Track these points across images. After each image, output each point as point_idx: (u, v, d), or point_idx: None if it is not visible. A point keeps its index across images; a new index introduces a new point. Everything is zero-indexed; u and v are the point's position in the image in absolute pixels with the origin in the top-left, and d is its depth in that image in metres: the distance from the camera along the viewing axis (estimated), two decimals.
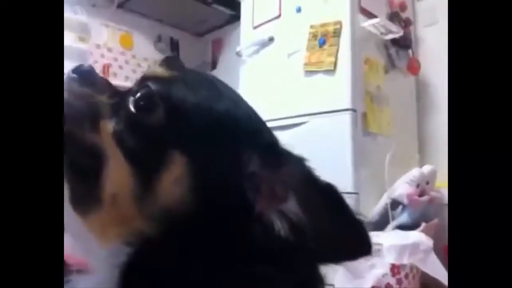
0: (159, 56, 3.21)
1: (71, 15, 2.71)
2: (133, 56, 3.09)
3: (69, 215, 0.41)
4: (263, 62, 2.11)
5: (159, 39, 3.25)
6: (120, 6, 2.98)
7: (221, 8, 2.91)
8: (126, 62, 3.05)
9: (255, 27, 2.19)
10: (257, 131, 0.43)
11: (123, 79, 2.94)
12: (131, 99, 0.42)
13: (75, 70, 0.46)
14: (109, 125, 0.42)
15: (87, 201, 0.41)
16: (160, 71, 0.45)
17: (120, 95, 0.45)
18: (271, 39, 2.06)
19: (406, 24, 2.04)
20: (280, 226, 0.37)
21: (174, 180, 0.38)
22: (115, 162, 0.40)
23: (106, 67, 2.91)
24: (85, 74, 0.46)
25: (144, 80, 0.43)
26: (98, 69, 2.87)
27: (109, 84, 0.48)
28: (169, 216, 0.38)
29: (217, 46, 3.28)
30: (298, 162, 0.40)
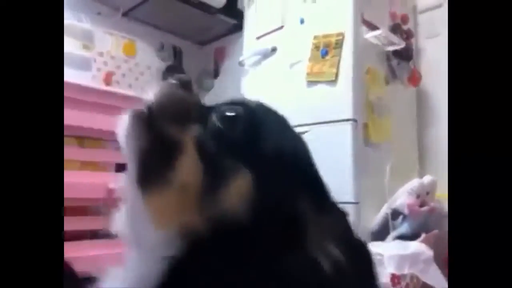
0: (162, 65, 3.23)
1: (76, 22, 2.74)
2: (136, 64, 3.11)
3: (130, 195, 0.47)
4: (265, 72, 2.13)
5: (162, 47, 3.27)
6: (124, 14, 3.01)
7: (224, 17, 2.94)
8: (129, 70, 3.07)
9: (258, 38, 2.21)
10: (314, 177, 0.48)
11: (126, 87, 2.96)
12: (216, 115, 0.49)
13: (177, 77, 0.53)
14: (194, 129, 0.48)
15: (156, 180, 0.45)
16: (246, 99, 0.53)
17: (207, 108, 0.52)
18: (274, 50, 2.08)
19: (407, 36, 2.06)
20: (323, 263, 0.40)
21: (239, 191, 0.43)
22: (191, 158, 0.45)
23: (109, 75, 2.93)
24: (185, 83, 0.53)
25: (232, 103, 0.51)
26: (101, 77, 2.89)
27: (199, 97, 0.55)
28: (225, 221, 0.42)
29: (220, 55, 3.30)
30: (342, 214, 0.45)
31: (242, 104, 0.50)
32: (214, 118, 0.48)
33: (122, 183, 0.49)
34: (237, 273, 0.40)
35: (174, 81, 0.52)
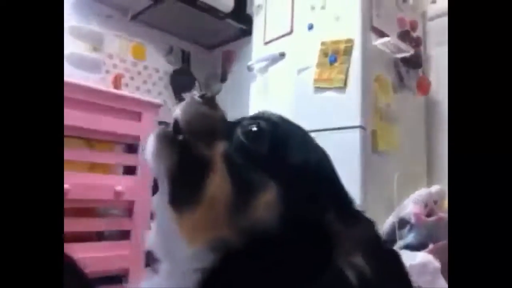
0: (170, 68, 3.25)
1: (85, 25, 2.77)
2: (145, 67, 3.13)
3: (163, 212, 0.48)
4: (273, 77, 2.13)
5: (170, 51, 3.29)
6: (133, 18, 3.03)
7: (233, 22, 2.95)
8: (138, 73, 3.09)
9: (266, 43, 2.22)
10: (339, 189, 0.49)
11: (134, 90, 2.97)
12: (242, 130, 0.50)
13: (202, 96, 0.54)
14: (220, 144, 0.49)
15: (186, 200, 0.46)
16: (270, 113, 0.54)
17: (232, 123, 0.53)
18: (282, 55, 2.08)
19: (416, 43, 2.05)
20: (351, 276, 0.40)
21: (267, 202, 0.44)
22: (220, 174, 0.46)
23: (118, 77, 2.95)
24: (209, 100, 0.53)
25: (256, 118, 0.52)
26: (110, 79, 2.91)
27: (224, 113, 0.56)
28: (256, 233, 0.43)
29: (228, 59, 3.31)
30: (369, 224, 0.45)
31: (265, 119, 0.51)
32: (239, 133, 0.49)
33: (154, 203, 0.50)
34: (267, 284, 0.41)
35: (198, 98, 0.53)
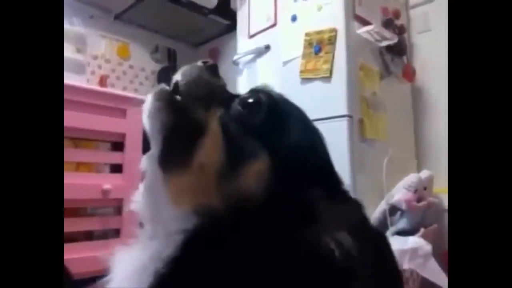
0: (157, 67, 3.22)
1: (68, 26, 2.73)
2: (131, 67, 3.10)
3: (152, 171, 0.48)
4: (259, 71, 2.13)
5: (156, 49, 3.26)
6: (117, 17, 3.00)
7: (217, 18, 2.94)
8: (124, 73, 3.06)
9: (251, 36, 2.21)
10: (328, 167, 0.50)
11: (120, 90, 2.95)
12: (240, 100, 0.50)
13: (204, 62, 0.54)
14: (217, 111, 0.49)
15: (176, 161, 0.46)
16: (269, 88, 0.54)
17: (231, 94, 0.53)
18: (267, 48, 2.08)
19: (400, 31, 2.06)
20: (336, 251, 0.40)
21: (256, 172, 0.44)
22: (213, 139, 0.46)
23: (103, 78, 2.92)
24: (211, 67, 0.53)
25: (254, 91, 0.52)
26: (95, 80, 2.88)
27: (225, 83, 0.56)
28: (242, 202, 0.43)
29: (214, 56, 3.30)
30: (356, 205, 0.45)
31: (265, 92, 0.51)
32: (237, 102, 0.50)
33: (143, 163, 0.49)
34: (248, 249, 0.41)
35: (200, 64, 0.53)
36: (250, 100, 0.49)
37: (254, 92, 0.52)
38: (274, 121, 0.48)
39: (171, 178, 0.46)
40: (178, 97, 0.49)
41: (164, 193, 0.46)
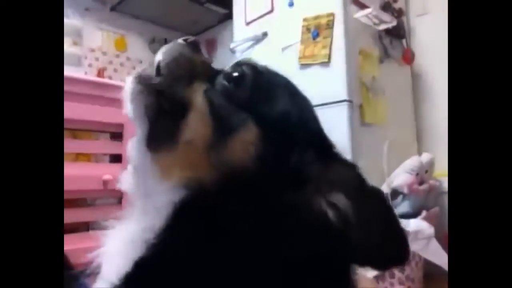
0: (154, 58, 3.21)
1: (64, 19, 2.71)
2: (128, 59, 3.09)
3: (139, 152, 0.48)
4: (257, 58, 2.10)
5: (153, 40, 3.24)
6: (113, 9, 2.98)
7: (213, 7, 2.91)
8: (121, 64, 3.05)
9: (248, 23, 2.19)
10: (317, 131, 0.49)
11: (118, 82, 2.93)
12: (224, 74, 0.50)
13: (185, 39, 0.53)
14: (201, 86, 0.49)
15: (163, 140, 0.46)
16: (253, 60, 0.53)
17: (215, 70, 0.53)
18: (264, 34, 2.06)
19: (398, 14, 2.04)
20: (328, 212, 0.40)
21: (244, 142, 0.44)
22: (199, 114, 0.46)
23: (101, 71, 2.91)
24: (193, 44, 0.53)
25: (238, 64, 0.51)
26: (93, 73, 2.86)
27: (208, 59, 0.55)
28: (232, 174, 0.43)
29: (211, 46, 3.28)
30: (350, 166, 0.44)
31: (249, 64, 0.51)
32: (222, 77, 0.49)
33: (129, 147, 0.49)
34: (239, 217, 0.41)
35: (181, 41, 0.53)
36: (235, 74, 0.49)
37: (238, 65, 0.51)
38: (260, 92, 0.47)
39: (159, 156, 0.46)
40: (158, 79, 0.49)
41: (152, 170, 0.46)
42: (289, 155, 0.44)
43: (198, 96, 0.48)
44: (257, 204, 0.41)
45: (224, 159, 0.43)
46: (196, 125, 0.45)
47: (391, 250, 0.40)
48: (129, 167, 0.50)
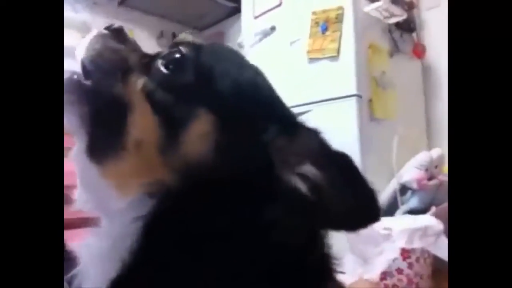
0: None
1: (72, 13, 2.71)
2: None
3: (84, 167, 0.43)
4: (265, 52, 2.10)
5: (161, 34, 3.24)
6: (121, 3, 2.98)
7: (222, 1, 2.90)
8: None
9: (256, 17, 2.17)
10: (276, 103, 0.45)
11: None
12: (161, 61, 0.44)
13: (108, 28, 0.48)
14: (139, 80, 0.44)
15: (108, 148, 0.41)
16: (191, 37, 0.48)
17: (149, 56, 0.47)
18: (273, 28, 2.04)
19: (409, 7, 2.01)
20: (300, 186, 0.38)
21: (199, 134, 0.40)
22: (142, 113, 0.42)
23: None
24: (117, 32, 0.48)
25: (175, 45, 0.46)
26: None
27: (138, 45, 0.50)
28: (193, 169, 0.39)
29: (219, 40, 3.27)
30: (313, 133, 0.42)
31: (186, 44, 0.46)
32: (159, 64, 0.44)
33: (72, 158, 0.44)
34: (212, 220, 0.38)
35: (103, 31, 0.47)
36: (173, 58, 0.44)
37: (174, 46, 0.46)
38: (204, 73, 0.43)
39: (106, 167, 0.41)
40: (88, 82, 0.44)
41: (105, 185, 0.41)
42: (250, 134, 0.41)
43: (136, 93, 0.42)
44: (228, 196, 0.38)
45: (180, 156, 0.39)
46: (142, 125, 0.41)
47: (363, 210, 0.39)
48: (77, 183, 0.45)
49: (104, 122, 0.43)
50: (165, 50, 0.46)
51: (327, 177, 0.38)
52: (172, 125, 0.41)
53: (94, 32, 0.47)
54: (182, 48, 0.45)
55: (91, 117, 0.43)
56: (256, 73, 0.47)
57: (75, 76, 0.45)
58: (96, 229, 0.43)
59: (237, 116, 0.41)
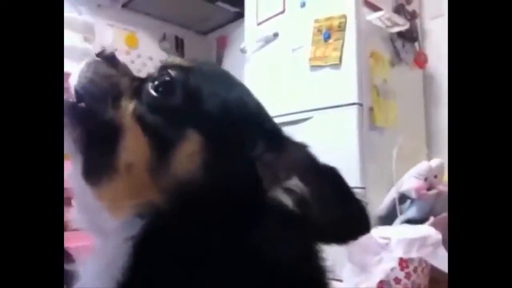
0: (164, 55, 3.21)
1: (76, 15, 2.72)
2: (138, 56, 3.09)
3: (79, 188, 0.45)
4: (267, 58, 2.10)
5: (164, 37, 3.25)
6: (124, 5, 2.99)
7: (225, 5, 2.91)
8: (132, 61, 3.05)
9: (259, 23, 2.18)
10: (263, 120, 0.47)
11: None
12: (151, 84, 0.46)
13: (100, 54, 0.50)
14: (129, 104, 0.46)
15: (101, 170, 0.43)
16: (179, 60, 0.49)
17: (140, 80, 0.49)
18: (275, 35, 2.05)
19: (412, 16, 2.02)
20: (288, 201, 0.39)
21: (188, 154, 0.42)
22: (133, 136, 0.43)
23: None
24: (109, 58, 0.50)
25: (164, 68, 0.48)
26: None
27: (129, 70, 0.52)
28: (182, 189, 0.41)
29: (222, 44, 3.27)
30: (300, 147, 0.43)
31: (174, 67, 0.48)
32: (149, 88, 0.46)
33: (69, 179, 0.46)
34: (202, 239, 0.39)
35: (95, 58, 0.49)
36: (162, 81, 0.46)
37: (163, 70, 0.48)
38: (193, 95, 0.45)
39: (100, 188, 0.43)
40: (81, 107, 0.46)
41: (98, 206, 0.43)
42: (238, 153, 0.42)
43: (127, 116, 0.45)
44: (217, 214, 0.39)
45: (170, 178, 0.41)
46: (132, 148, 0.43)
47: (351, 223, 0.40)
48: (74, 203, 0.47)
49: (97, 144, 0.45)
50: (155, 73, 0.48)
51: (314, 191, 0.39)
52: (161, 146, 0.42)
53: (87, 60, 0.49)
54: (171, 71, 0.46)
55: (85, 139, 0.45)
56: (243, 91, 0.49)
57: (70, 99, 0.47)
58: (92, 249, 0.44)
59: (225, 135, 0.43)
